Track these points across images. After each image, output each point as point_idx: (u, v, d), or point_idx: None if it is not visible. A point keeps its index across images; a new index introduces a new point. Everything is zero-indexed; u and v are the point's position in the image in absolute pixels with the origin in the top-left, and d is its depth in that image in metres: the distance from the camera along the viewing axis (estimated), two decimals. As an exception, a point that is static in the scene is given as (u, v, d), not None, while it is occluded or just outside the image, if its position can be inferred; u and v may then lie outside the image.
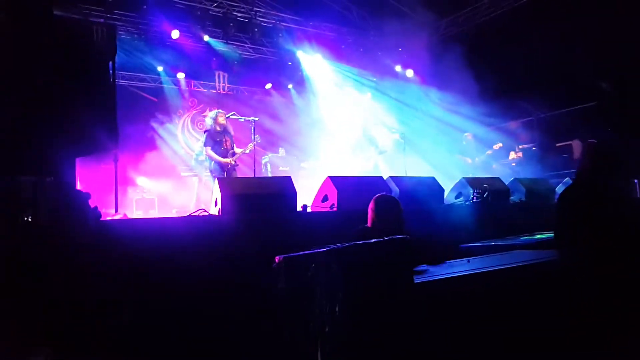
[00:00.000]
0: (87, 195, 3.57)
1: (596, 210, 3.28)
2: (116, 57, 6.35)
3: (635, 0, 8.14)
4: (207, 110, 12.07)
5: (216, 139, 7.71)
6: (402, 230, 3.12)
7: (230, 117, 7.94)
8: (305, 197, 6.24)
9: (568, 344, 2.65)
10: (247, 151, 7.86)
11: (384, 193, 3.89)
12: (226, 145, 7.76)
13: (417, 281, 2.26)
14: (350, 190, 4.99)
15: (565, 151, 10.18)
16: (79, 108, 4.56)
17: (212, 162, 7.68)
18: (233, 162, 7.69)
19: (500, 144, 10.08)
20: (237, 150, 7.80)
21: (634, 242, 3.11)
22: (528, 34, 10.18)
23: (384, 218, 3.59)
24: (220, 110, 8.07)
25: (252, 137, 7.75)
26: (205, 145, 7.73)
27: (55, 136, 4.09)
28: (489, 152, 9.97)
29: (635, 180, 7.22)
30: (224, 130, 7.85)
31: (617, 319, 2.90)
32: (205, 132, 8.04)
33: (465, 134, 10.17)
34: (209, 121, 7.87)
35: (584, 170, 3.59)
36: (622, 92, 8.87)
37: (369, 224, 3.68)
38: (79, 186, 4.83)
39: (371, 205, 3.71)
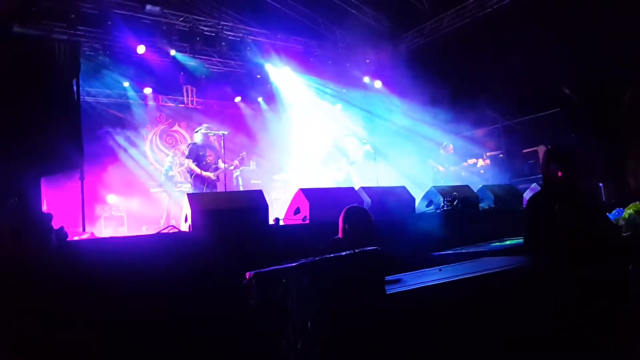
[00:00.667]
0: (49, 216, 3.47)
1: (563, 214, 3.35)
2: (81, 74, 6.23)
3: (596, 10, 8.45)
4: (176, 125, 11.96)
5: (199, 152, 7.67)
6: (373, 240, 3.13)
7: (201, 131, 7.87)
8: (278, 209, 6.22)
9: (540, 349, 2.68)
10: (232, 167, 7.86)
11: (354, 204, 3.91)
12: (209, 160, 7.71)
13: (389, 292, 2.26)
14: (322, 202, 4.99)
15: (531, 157, 10.44)
16: (42, 126, 4.44)
17: (193, 176, 7.62)
18: (214, 177, 7.64)
19: (475, 160, 10.31)
20: (221, 165, 7.76)
21: (601, 244, 3.19)
22: (492, 43, 10.46)
23: (354, 229, 3.60)
24: (209, 125, 8.07)
25: (222, 150, 7.71)
26: (187, 157, 7.69)
27: (18, 156, 3.98)
28: (465, 164, 10.18)
29: (600, 184, 7.45)
30: (209, 145, 7.84)
31: (590, 322, 2.96)
32: (189, 145, 8.03)
33: (445, 144, 10.33)
34: (198, 136, 7.84)
35: (547, 176, 3.68)
36: (584, 98, 9.16)
37: (340, 235, 3.69)
38: (44, 205, 4.70)
39: (342, 217, 3.73)
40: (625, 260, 3.42)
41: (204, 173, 7.54)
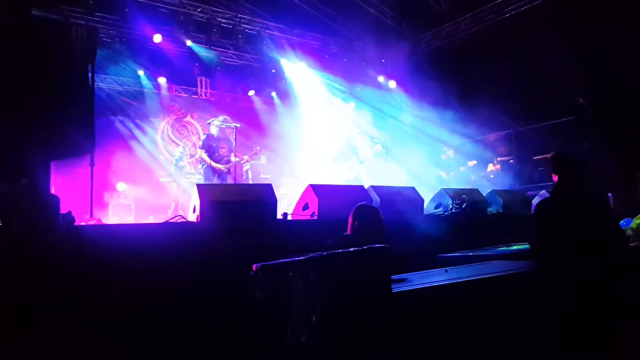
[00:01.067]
0: (57, 199, 3.50)
1: (570, 222, 3.32)
2: (96, 60, 6.27)
3: (614, 21, 8.37)
4: (188, 116, 12.00)
5: (213, 144, 7.72)
6: (381, 239, 3.12)
7: (213, 122, 7.91)
8: (286, 204, 6.22)
9: (543, 353, 2.67)
10: (243, 161, 7.93)
11: (365, 202, 3.90)
12: (222, 152, 7.76)
13: (394, 290, 2.25)
14: (331, 198, 4.98)
15: (542, 164, 10.35)
16: (55, 110, 4.48)
17: (204, 166, 7.69)
18: (225, 170, 7.68)
19: (475, 162, 10.26)
20: (233, 158, 7.80)
21: (607, 254, 3.16)
22: (509, 49, 10.39)
23: (364, 227, 3.60)
24: (225, 117, 8.13)
25: (233, 143, 7.74)
26: (201, 147, 7.78)
27: (29, 138, 4.01)
28: (462, 168, 10.14)
29: (609, 194, 7.37)
30: (224, 138, 7.89)
31: (591, 330, 2.93)
32: (204, 135, 8.11)
33: (446, 148, 10.30)
34: (214, 128, 7.93)
35: (556, 183, 3.65)
36: (599, 108, 9.07)
37: (348, 232, 3.68)
38: (52, 190, 4.74)
39: (352, 214, 3.72)
40: (630, 271, 3.39)
41: (215, 165, 7.58)
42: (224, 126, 7.99)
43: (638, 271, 3.66)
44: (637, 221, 4.93)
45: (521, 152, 10.88)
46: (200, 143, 7.90)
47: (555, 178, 3.62)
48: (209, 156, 7.63)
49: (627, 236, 4.41)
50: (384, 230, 3.69)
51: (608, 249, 3.22)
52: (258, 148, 8.36)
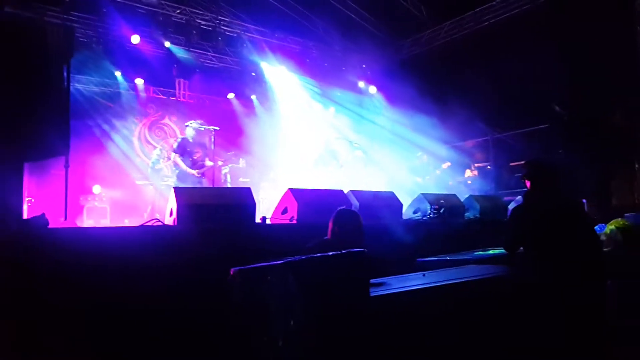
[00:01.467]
0: (18, 201, 3.42)
1: (548, 226, 3.37)
2: (72, 60, 6.14)
3: (590, 30, 8.59)
4: (166, 118, 11.85)
5: (187, 148, 7.61)
6: (361, 243, 3.11)
7: (190, 125, 7.82)
8: (266, 208, 6.17)
9: (518, 356, 2.69)
10: (219, 164, 7.82)
11: (345, 207, 3.89)
12: (196, 156, 7.66)
13: (373, 294, 2.25)
14: (310, 203, 4.97)
15: (518, 170, 10.49)
16: (29, 110, 4.37)
17: (177, 171, 7.58)
18: (198, 175, 7.58)
19: (449, 163, 10.39)
20: (208, 163, 7.70)
21: (581, 257, 3.21)
22: (487, 56, 10.56)
23: (344, 231, 3.59)
24: (201, 121, 8.02)
25: (212, 146, 7.66)
26: (174, 151, 7.64)
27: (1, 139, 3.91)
28: (438, 171, 10.26)
29: (584, 200, 7.52)
30: (199, 142, 7.80)
31: (567, 333, 2.97)
32: (179, 139, 8.02)
33: (420, 154, 10.41)
34: (189, 131, 7.80)
35: (529, 189, 3.72)
36: (574, 116, 9.26)
37: (329, 236, 3.67)
38: (25, 192, 4.62)
39: (332, 218, 3.71)
40: (605, 274, 3.45)
41: (188, 170, 7.49)
42: (202, 129, 7.91)
43: (611, 274, 3.74)
44: (610, 227, 5.04)
45: (498, 159, 11.04)
46: (175, 146, 7.76)
47: (528, 184, 3.69)
48: (182, 161, 7.53)
49: (602, 241, 4.51)
50: (364, 234, 3.68)
51: (587, 251, 3.27)
52: (232, 153, 8.27)
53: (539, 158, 3.90)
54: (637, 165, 8.46)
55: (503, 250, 3.78)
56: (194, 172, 7.53)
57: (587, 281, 3.08)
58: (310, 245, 3.41)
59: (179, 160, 7.52)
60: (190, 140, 7.70)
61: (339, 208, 3.77)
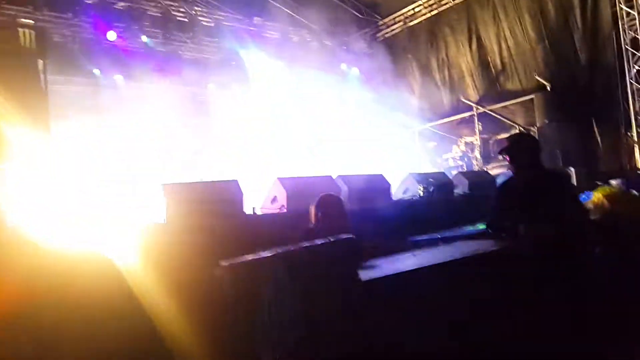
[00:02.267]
0: None
1: (528, 200, 3.41)
2: (50, 60, 6.05)
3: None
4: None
5: None
6: (346, 227, 3.11)
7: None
8: (254, 199, 6.14)
9: (511, 331, 2.73)
10: None
11: (325, 193, 3.83)
12: None
13: (364, 279, 2.27)
14: (299, 191, 4.96)
15: (505, 144, 10.55)
16: (6, 113, 4.32)
17: None
18: None
19: (435, 143, 10.45)
20: None
21: (567, 229, 3.25)
22: (468, 31, 10.55)
23: (327, 217, 3.55)
24: None
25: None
26: None
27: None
28: (425, 150, 10.36)
29: (572, 168, 7.60)
30: None
31: (557, 304, 3.02)
32: None
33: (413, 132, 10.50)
34: None
35: (509, 164, 3.74)
36: (558, 86, 9.31)
37: (312, 224, 3.64)
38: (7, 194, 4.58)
39: (314, 205, 3.67)
40: (592, 243, 3.51)
41: None
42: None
43: (599, 243, 3.79)
44: (597, 194, 5.09)
45: (485, 133, 11.09)
46: None
47: (508, 159, 3.71)
48: None
49: (588, 210, 4.55)
50: (348, 218, 3.65)
51: (569, 222, 3.31)
52: None
53: (518, 132, 3.93)
54: (622, 130, 8.53)
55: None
56: None
57: (571, 251, 3.12)
58: (298, 234, 3.39)
59: None
60: None
61: (320, 194, 3.72)
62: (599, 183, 5.94)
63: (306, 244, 2.11)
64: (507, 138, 3.82)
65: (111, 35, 9.44)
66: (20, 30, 4.72)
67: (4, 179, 4.08)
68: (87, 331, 3.02)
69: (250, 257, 2.27)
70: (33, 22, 8.36)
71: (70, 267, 3.25)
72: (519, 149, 3.60)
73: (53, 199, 5.62)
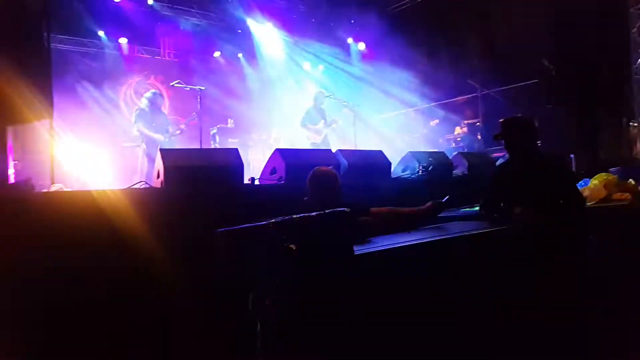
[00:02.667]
0: None
1: (522, 185, 3.43)
2: (53, 21, 5.96)
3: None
4: (152, 78, 11.64)
5: (146, 118, 7.61)
6: (338, 202, 3.12)
7: (175, 85, 7.72)
8: (255, 169, 6.18)
9: (505, 313, 2.77)
10: (178, 133, 7.82)
11: (319, 167, 3.84)
12: (155, 124, 7.67)
13: (357, 252, 2.29)
14: (298, 163, 4.96)
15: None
16: (9, 73, 4.27)
17: (143, 140, 7.62)
18: (166, 139, 7.59)
19: (437, 120, 10.42)
20: (170, 129, 7.73)
21: (562, 214, 3.27)
22: (476, 12, 10.39)
23: (321, 191, 3.56)
24: (156, 91, 8.00)
25: (198, 106, 7.60)
26: (135, 122, 7.64)
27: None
28: (426, 130, 10.34)
29: (572, 155, 7.59)
30: (157, 110, 7.77)
31: (548, 289, 3.06)
32: (136, 110, 8.04)
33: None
34: (144, 102, 7.83)
35: (505, 147, 3.76)
36: (562, 71, 9.21)
37: (308, 198, 3.66)
38: (11, 157, 4.58)
39: (308, 179, 3.69)
40: (584, 229, 3.53)
41: (154, 135, 7.52)
42: (187, 89, 7.83)
43: (595, 230, 3.81)
44: (594, 181, 5.10)
45: (487, 115, 11.03)
46: (134, 119, 7.77)
47: (504, 143, 3.72)
48: (146, 127, 7.55)
49: (585, 197, 4.57)
50: (341, 193, 3.65)
51: (562, 209, 3.33)
52: (194, 114, 8.21)
53: (513, 116, 3.91)
54: (624, 120, 8.50)
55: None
56: (161, 136, 7.55)
57: (564, 236, 3.15)
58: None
59: (143, 128, 7.55)
60: (148, 110, 7.69)
61: (314, 168, 3.74)
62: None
63: (300, 215, 2.13)
64: (502, 122, 3.82)
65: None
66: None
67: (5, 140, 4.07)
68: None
69: (243, 225, 2.29)
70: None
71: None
72: (514, 132, 3.62)
73: (52, 159, 5.63)
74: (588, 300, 3.29)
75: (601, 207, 4.54)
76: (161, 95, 8.12)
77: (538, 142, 3.70)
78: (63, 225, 3.29)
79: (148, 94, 7.89)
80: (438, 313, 2.52)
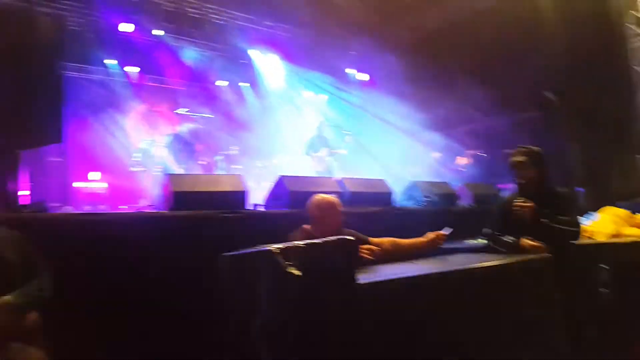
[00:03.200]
0: None
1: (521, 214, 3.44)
2: (65, 49, 6.11)
3: (584, 17, 8.64)
4: (159, 105, 11.81)
5: (179, 144, 7.76)
6: (340, 230, 3.11)
7: (181, 112, 7.88)
8: (258, 196, 6.21)
9: (506, 346, 2.76)
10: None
11: (320, 194, 3.79)
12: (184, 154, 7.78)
13: (360, 282, 2.30)
14: (301, 190, 5.00)
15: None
16: (22, 99, 4.39)
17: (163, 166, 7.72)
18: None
19: (439, 154, 10.51)
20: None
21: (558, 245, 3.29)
22: (478, 43, 10.55)
23: (322, 219, 3.50)
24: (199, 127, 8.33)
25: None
26: (166, 146, 7.74)
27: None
28: (430, 159, 10.45)
29: (582, 189, 7.58)
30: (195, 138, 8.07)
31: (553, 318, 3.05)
32: (172, 135, 8.24)
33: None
34: (184, 127, 8.14)
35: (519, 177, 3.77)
36: (567, 103, 9.31)
37: (309, 225, 3.59)
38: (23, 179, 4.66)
39: (309, 206, 3.62)
40: (592, 261, 3.53)
41: (175, 164, 7.64)
42: (194, 117, 7.99)
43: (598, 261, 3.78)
44: (601, 214, 5.07)
45: (492, 146, 11.08)
46: (167, 142, 7.88)
47: (512, 174, 3.73)
48: (173, 155, 7.67)
49: (590, 232, 4.54)
50: (343, 221, 3.58)
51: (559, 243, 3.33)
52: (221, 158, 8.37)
53: (524, 148, 3.92)
54: (630, 155, 8.52)
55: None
56: (179, 168, 7.67)
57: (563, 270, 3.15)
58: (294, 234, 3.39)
59: (166, 154, 7.65)
60: (184, 136, 7.81)
61: (315, 194, 3.67)
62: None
63: (304, 241, 2.16)
64: (512, 153, 3.84)
65: (126, 27, 9.56)
66: (38, 18, 4.78)
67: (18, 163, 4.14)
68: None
69: (246, 250, 2.32)
70: (50, 10, 8.50)
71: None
72: (525, 164, 3.62)
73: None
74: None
75: (612, 243, 4.48)
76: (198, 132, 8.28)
77: (548, 174, 3.70)
78: (73, 246, 3.33)
79: (191, 125, 8.06)
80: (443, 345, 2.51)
